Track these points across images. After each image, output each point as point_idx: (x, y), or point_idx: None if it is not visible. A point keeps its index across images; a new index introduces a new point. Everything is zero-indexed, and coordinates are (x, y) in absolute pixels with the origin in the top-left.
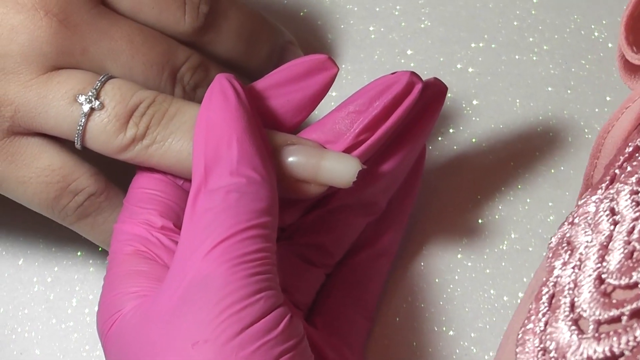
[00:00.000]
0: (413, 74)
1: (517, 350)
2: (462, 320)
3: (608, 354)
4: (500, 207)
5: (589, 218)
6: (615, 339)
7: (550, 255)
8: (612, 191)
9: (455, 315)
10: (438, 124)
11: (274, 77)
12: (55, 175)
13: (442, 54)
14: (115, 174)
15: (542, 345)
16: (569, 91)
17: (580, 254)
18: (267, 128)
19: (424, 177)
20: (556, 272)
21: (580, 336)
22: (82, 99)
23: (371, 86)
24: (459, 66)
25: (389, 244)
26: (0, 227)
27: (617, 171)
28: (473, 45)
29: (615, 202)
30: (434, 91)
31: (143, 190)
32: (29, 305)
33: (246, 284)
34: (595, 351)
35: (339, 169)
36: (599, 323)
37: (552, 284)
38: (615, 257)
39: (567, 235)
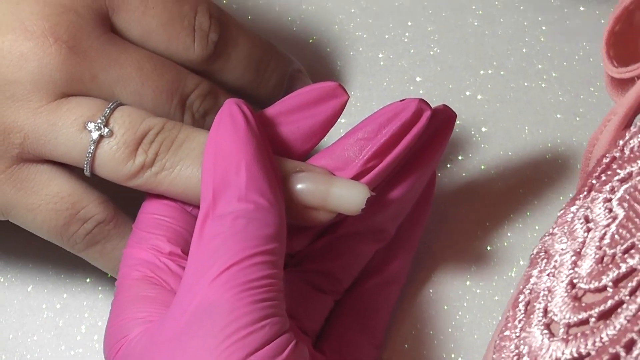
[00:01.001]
0: (422, 101)
1: (494, 356)
2: (470, 348)
3: (575, 355)
4: (509, 234)
5: (565, 227)
6: (582, 340)
7: (529, 264)
8: (587, 200)
9: (464, 342)
10: (447, 150)
11: (284, 104)
12: (64, 202)
13: (451, 81)
14: (124, 201)
15: (517, 350)
16: (577, 118)
17: (555, 261)
18: (276, 154)
19: (433, 203)
20: (532, 280)
21: (550, 339)
22: (91, 126)
23: (380, 113)
24: (467, 93)
25: (397, 271)
26: (9, 254)
27: (594, 182)
28: (482, 72)
29: (589, 210)
30: (443, 118)
31: (152, 216)
32: (38, 332)
33: (252, 310)
34: (563, 352)
35: (348, 195)
36: (569, 326)
37: (528, 291)
38: (586, 263)
39: (546, 245)
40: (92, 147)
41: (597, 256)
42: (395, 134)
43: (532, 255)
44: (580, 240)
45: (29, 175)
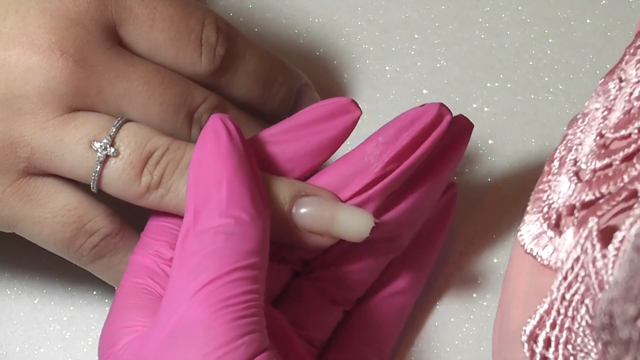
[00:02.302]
0: (442, 105)
1: (528, 208)
2: None
3: (598, 195)
4: None
5: (601, 90)
6: (604, 181)
7: (567, 127)
8: (622, 64)
9: (471, 355)
10: None
11: (296, 119)
12: (71, 215)
13: (458, 93)
14: (131, 214)
15: (548, 200)
16: None
17: (589, 118)
18: (284, 169)
19: None
20: (568, 138)
21: (577, 184)
22: (97, 145)
23: (400, 118)
24: (474, 106)
25: (410, 285)
26: (16, 266)
27: (631, 50)
28: (489, 84)
29: (623, 71)
30: (460, 126)
31: (158, 223)
32: (44, 345)
33: (229, 329)
34: (587, 194)
35: (353, 223)
36: (594, 171)
37: (562, 147)
38: (615, 115)
39: (584, 108)
40: (99, 167)
41: (625, 108)
42: (416, 137)
43: (571, 120)
44: (612, 97)
45: (35, 189)
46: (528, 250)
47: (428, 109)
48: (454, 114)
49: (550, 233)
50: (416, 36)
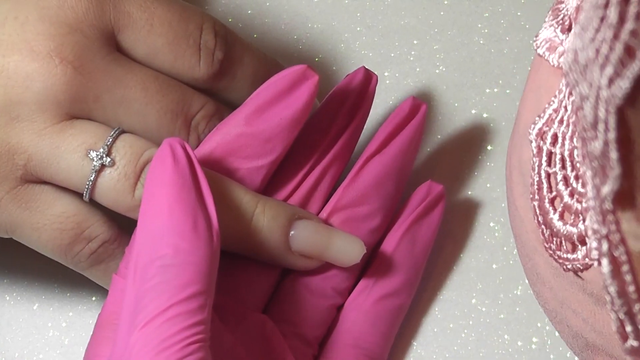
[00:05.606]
0: (414, 98)
1: (546, 19)
2: None
3: None
4: (514, 252)
5: None
6: None
7: None
8: None
9: None
10: (453, 169)
11: (262, 97)
12: (69, 222)
13: (457, 99)
14: (128, 221)
15: (564, 10)
16: None
17: None
18: (267, 150)
19: None
20: None
21: None
22: (93, 154)
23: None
24: (473, 111)
25: (401, 286)
26: (15, 271)
27: None
28: (487, 90)
29: None
30: (412, 107)
31: None
32: (43, 350)
33: None
34: None
35: (346, 249)
36: None
37: None
38: None
39: None
40: (93, 176)
41: None
42: (394, 129)
43: None
44: None
45: (33, 196)
46: (540, 54)
47: (402, 106)
48: (453, 120)
49: (562, 36)
50: (415, 42)
